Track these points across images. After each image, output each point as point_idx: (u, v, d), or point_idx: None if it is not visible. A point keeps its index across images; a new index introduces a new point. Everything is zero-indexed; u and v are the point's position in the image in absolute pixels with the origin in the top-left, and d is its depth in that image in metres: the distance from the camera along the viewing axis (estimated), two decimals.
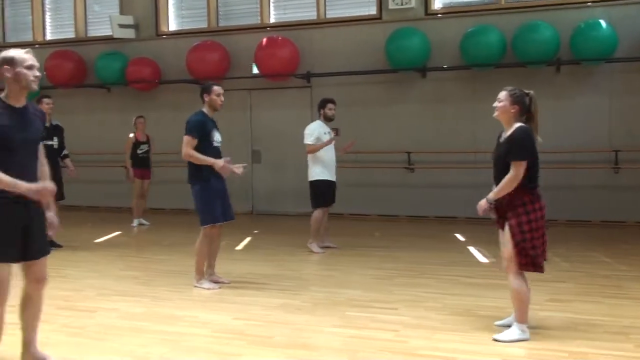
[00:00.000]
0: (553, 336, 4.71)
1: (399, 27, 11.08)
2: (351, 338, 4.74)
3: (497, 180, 4.74)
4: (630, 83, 10.10)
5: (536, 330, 4.75)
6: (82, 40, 13.59)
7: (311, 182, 8.40)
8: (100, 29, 13.54)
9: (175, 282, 6.64)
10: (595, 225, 10.10)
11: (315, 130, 8.24)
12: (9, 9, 14.38)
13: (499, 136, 4.91)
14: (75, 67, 13.12)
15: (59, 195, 7.08)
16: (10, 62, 3.80)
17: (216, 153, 6.46)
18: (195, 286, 6.40)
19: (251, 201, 12.44)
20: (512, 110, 4.69)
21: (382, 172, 11.45)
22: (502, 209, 4.70)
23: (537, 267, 4.59)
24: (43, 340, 4.27)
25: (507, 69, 10.58)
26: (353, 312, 5.45)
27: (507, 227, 4.64)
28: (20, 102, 3.87)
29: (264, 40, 11.73)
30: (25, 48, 3.97)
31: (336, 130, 8.91)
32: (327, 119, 8.36)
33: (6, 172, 3.68)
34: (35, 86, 3.87)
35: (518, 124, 4.69)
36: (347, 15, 11.87)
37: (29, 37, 14.02)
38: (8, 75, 3.79)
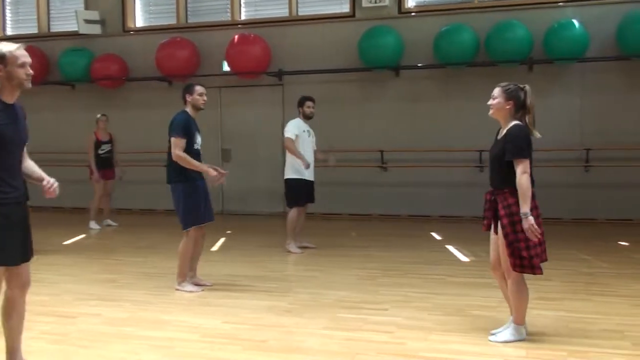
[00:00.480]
0: (549, 335, 4.69)
1: (372, 25, 11.03)
2: (347, 340, 4.64)
3: (492, 181, 4.66)
4: (600, 82, 10.24)
5: (531, 329, 4.71)
6: (45, 36, 13.19)
7: (286, 180, 8.26)
8: (64, 24, 13.16)
9: (155, 285, 6.44)
10: (566, 223, 10.21)
11: (295, 128, 8.11)
12: None
13: (497, 133, 4.82)
14: (38, 63, 12.70)
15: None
16: (2, 59, 3.59)
17: (196, 155, 6.30)
18: (177, 289, 6.23)
19: (221, 201, 12.24)
20: (507, 107, 4.59)
21: (354, 171, 11.38)
22: (495, 209, 4.61)
23: (534, 268, 4.48)
24: (23, 348, 4.06)
25: (480, 68, 10.63)
26: (343, 314, 5.35)
27: (499, 229, 4.56)
28: (12, 100, 3.68)
29: (235, 37, 11.57)
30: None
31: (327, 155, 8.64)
32: (306, 117, 8.25)
33: (3, 170, 3.56)
34: (28, 85, 3.68)
35: (514, 122, 4.62)
36: (319, 12, 11.76)
37: None
38: (0, 73, 3.59)
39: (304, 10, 11.93)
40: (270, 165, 11.88)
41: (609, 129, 10.14)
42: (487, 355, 4.33)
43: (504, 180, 4.51)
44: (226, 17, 12.30)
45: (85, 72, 12.45)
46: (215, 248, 8.57)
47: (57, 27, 13.31)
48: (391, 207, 11.27)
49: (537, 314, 5.14)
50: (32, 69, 3.69)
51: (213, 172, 6.12)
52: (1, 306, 3.88)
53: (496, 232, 4.62)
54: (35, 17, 13.38)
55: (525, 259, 4.44)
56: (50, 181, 3.69)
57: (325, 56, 11.43)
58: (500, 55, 10.33)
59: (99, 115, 10.71)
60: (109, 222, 10.79)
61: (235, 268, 7.28)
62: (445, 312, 5.37)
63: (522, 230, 4.43)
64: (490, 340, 4.58)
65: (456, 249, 8.27)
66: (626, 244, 8.46)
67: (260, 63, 11.59)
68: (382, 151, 11.20)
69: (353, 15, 11.44)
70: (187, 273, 6.35)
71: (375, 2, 11.12)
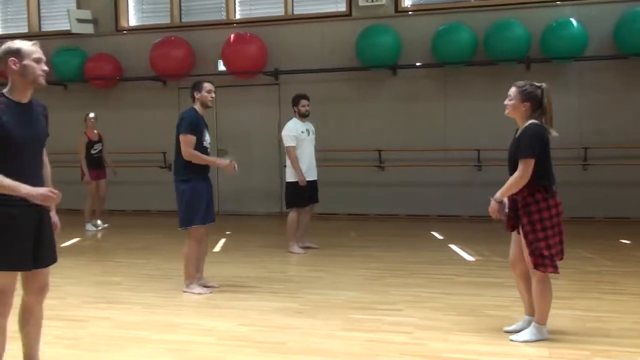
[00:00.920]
0: (568, 334, 4.66)
1: (369, 24, 10.99)
2: (367, 342, 4.59)
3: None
4: (598, 81, 10.28)
5: (550, 329, 4.68)
6: (36, 35, 12.99)
7: (286, 182, 8.19)
8: (55, 23, 12.99)
9: (162, 287, 6.35)
10: (565, 222, 10.13)
11: (293, 130, 8.02)
12: None
13: (515, 132, 4.78)
14: None
15: None
16: (17, 53, 3.49)
17: (205, 154, 6.22)
18: (185, 291, 6.14)
19: (217, 201, 12.10)
20: (523, 108, 4.56)
21: (352, 171, 11.34)
22: (516, 209, 4.58)
23: (555, 267, 4.48)
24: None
25: (478, 67, 10.63)
26: (357, 315, 5.30)
27: (521, 229, 4.54)
28: (25, 98, 3.57)
29: (231, 36, 11.48)
30: None
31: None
32: (302, 116, 8.17)
33: (9, 173, 3.38)
34: (43, 81, 3.57)
35: (531, 121, 4.59)
36: (315, 11, 11.71)
37: None
38: (14, 68, 3.48)
39: (300, 9, 11.87)
40: (266, 165, 11.81)
41: (606, 127, 10.18)
42: (509, 356, 4.30)
43: None
44: (221, 16, 12.20)
45: (78, 72, 12.30)
46: (217, 249, 8.48)
47: (48, 26, 13.14)
48: (389, 206, 11.24)
49: (554, 313, 5.05)
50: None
51: (226, 162, 6.09)
52: (18, 312, 3.78)
53: (518, 232, 4.58)
54: (26, 16, 13.20)
55: (547, 257, 4.43)
56: (53, 192, 3.55)
57: (321, 55, 11.39)
58: (498, 54, 10.34)
59: (91, 115, 10.56)
60: (99, 223, 10.64)
61: (240, 269, 7.20)
62: (460, 312, 5.33)
63: (542, 229, 4.41)
64: (512, 340, 4.54)
65: (460, 248, 8.24)
66: (628, 242, 8.49)
67: (256, 62, 11.51)
68: (379, 151, 11.16)
69: (350, 14, 11.40)
70: (194, 275, 6.26)
71: (372, 1, 11.09)
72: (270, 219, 11.50)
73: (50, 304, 5.58)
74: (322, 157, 10.65)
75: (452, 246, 8.41)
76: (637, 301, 5.57)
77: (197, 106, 6.24)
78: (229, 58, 11.49)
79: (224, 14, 12.19)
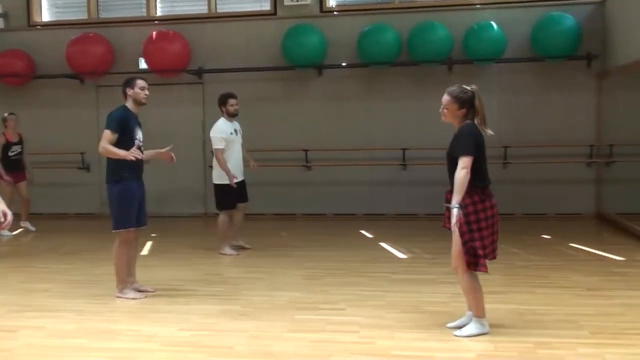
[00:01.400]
0: (508, 328, 4.80)
1: (294, 23, 10.97)
2: (317, 342, 4.57)
3: (449, 180, 4.69)
4: (517, 83, 10.66)
5: (490, 323, 4.79)
6: None
7: (214, 185, 8.05)
8: None
9: (93, 293, 6.10)
10: None
11: (223, 132, 7.87)
12: None
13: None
14: None
15: None
16: None
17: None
18: (118, 296, 5.93)
19: None
20: (460, 114, 4.66)
21: (278, 171, 11.27)
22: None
23: (484, 267, 4.56)
24: None
25: (402, 68, 10.80)
26: (302, 315, 5.27)
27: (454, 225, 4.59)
28: None
29: (154, 33, 11.19)
30: None
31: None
32: (231, 116, 8.03)
33: None
34: None
35: (466, 122, 4.70)
36: (239, 10, 11.58)
37: None
38: None
39: (223, 8, 11.71)
40: (191, 166, 11.58)
41: (524, 127, 10.57)
42: (457, 351, 4.39)
43: None
44: (141, 13, 11.88)
45: None
46: (144, 252, 8.23)
47: None
48: (316, 206, 11.26)
49: (493, 308, 5.20)
50: None
51: (126, 152, 5.76)
52: None
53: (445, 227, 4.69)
54: None
55: (480, 257, 4.53)
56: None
57: (247, 54, 11.27)
58: (421, 56, 10.54)
59: (6, 115, 10.07)
60: (29, 226, 10.17)
61: (173, 272, 7.03)
62: (402, 309, 5.39)
63: (478, 230, 4.51)
64: (456, 335, 4.64)
65: (391, 246, 8.35)
66: (549, 237, 8.83)
67: (179, 61, 11.27)
68: (305, 150, 11.16)
69: (274, 14, 11.34)
70: (127, 279, 6.06)
71: (297, 1, 11.07)
72: (195, 220, 11.30)
73: None
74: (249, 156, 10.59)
75: (383, 244, 8.51)
76: (567, 294, 5.80)
77: (129, 104, 6.04)
78: (151, 56, 11.20)
79: (144, 10, 11.87)
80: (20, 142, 10.06)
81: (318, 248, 8.32)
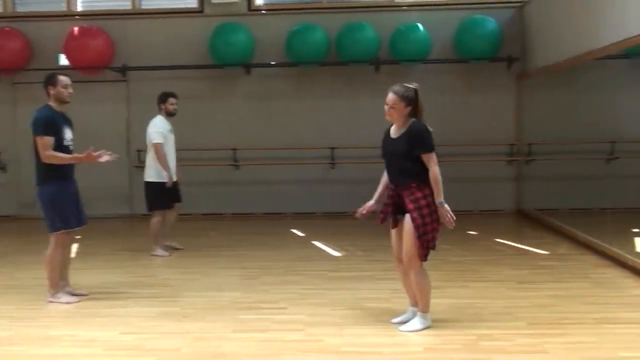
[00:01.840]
0: (451, 321, 4.95)
1: (221, 21, 10.85)
2: (264, 342, 4.56)
3: (395, 177, 4.77)
4: (442, 83, 10.92)
5: (432, 318, 4.91)
6: None
7: (147, 182, 7.88)
8: None
9: (24, 299, 5.86)
10: None
11: (161, 127, 7.76)
12: None
13: (387, 133, 4.93)
14: None
15: None
16: None
17: (67, 153, 5.84)
18: (51, 301, 5.72)
19: None
20: (406, 111, 4.77)
21: (206, 170, 11.14)
22: (397, 204, 4.74)
23: (426, 257, 4.72)
24: None
25: (331, 67, 10.88)
26: (245, 315, 5.25)
27: (406, 220, 4.70)
28: None
29: (75, 29, 10.82)
30: None
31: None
32: (169, 115, 7.92)
33: None
34: None
35: (413, 119, 4.80)
36: (165, 7, 11.36)
37: None
38: None
39: (148, 4, 11.45)
40: (115, 166, 11.09)
41: (449, 127, 10.82)
42: (406, 345, 4.48)
43: (410, 175, 4.68)
44: (61, 7, 11.45)
45: None
46: (71, 255, 7.92)
47: None
48: (244, 205, 11.19)
49: (431, 303, 5.32)
50: None
51: (84, 155, 5.69)
52: None
53: (396, 227, 4.76)
54: None
55: (430, 249, 4.66)
56: None
57: (173, 52, 11.06)
58: (349, 56, 10.65)
59: None
60: None
61: (105, 275, 6.84)
62: (344, 306, 5.45)
63: (430, 222, 4.63)
64: (401, 330, 4.73)
65: (323, 244, 8.40)
66: (475, 233, 9.10)
67: (102, 57, 10.94)
68: (234, 149, 11.08)
69: (201, 11, 11.19)
70: (59, 283, 5.85)
71: None
72: (120, 222, 11.00)
73: None
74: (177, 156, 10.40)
75: (316, 243, 8.55)
76: (500, 287, 6.02)
77: (52, 102, 5.83)
78: (72, 52, 10.81)
79: (64, 5, 11.44)
80: None
81: (250, 247, 8.27)
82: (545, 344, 4.39)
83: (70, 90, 5.94)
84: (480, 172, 10.96)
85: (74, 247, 8.27)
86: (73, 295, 5.87)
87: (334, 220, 10.70)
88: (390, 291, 5.86)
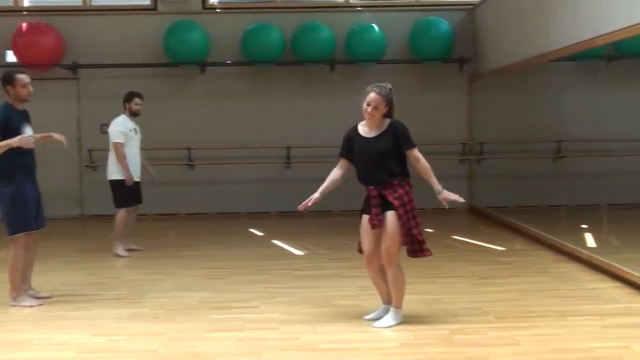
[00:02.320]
0: (421, 317, 5.06)
1: (175, 19, 10.74)
2: (241, 341, 4.56)
3: (371, 176, 4.79)
4: (397, 83, 10.90)
5: (403, 313, 4.99)
6: None
7: (111, 181, 7.78)
8: None
9: None
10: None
11: (123, 127, 7.71)
12: None
13: (355, 133, 4.94)
14: None
15: None
16: None
17: (29, 152, 5.71)
18: (12, 305, 5.58)
19: None
20: (385, 111, 4.85)
21: (160, 170, 10.91)
22: (383, 201, 4.77)
23: (428, 250, 4.82)
24: None
25: (287, 67, 10.91)
26: (217, 315, 5.24)
27: (391, 217, 4.73)
28: None
29: (23, 25, 10.54)
30: None
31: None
32: (133, 114, 7.86)
33: None
34: None
35: (389, 119, 4.89)
36: (117, 4, 11.18)
37: None
38: None
39: (99, 0, 11.24)
40: (66, 166, 11.00)
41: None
42: (381, 341, 4.56)
43: (392, 173, 4.76)
44: (7, 2, 11.13)
45: None
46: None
47: None
48: (199, 205, 11.12)
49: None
50: None
51: (16, 139, 5.43)
52: None
53: (374, 226, 4.78)
54: None
55: (422, 242, 4.75)
56: None
57: (126, 50, 10.89)
58: (305, 55, 10.70)
59: None
60: None
61: (66, 277, 6.70)
62: (315, 304, 5.50)
63: (414, 217, 4.72)
64: (375, 327, 4.80)
65: (284, 243, 8.42)
66: (432, 230, 9.19)
67: (52, 55, 10.69)
68: (189, 149, 10.99)
69: (155, 9, 11.05)
70: (21, 286, 5.71)
71: None
72: (72, 223, 10.76)
73: None
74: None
75: (276, 242, 8.57)
76: (464, 283, 6.18)
77: (12, 100, 5.69)
78: (21, 49, 10.53)
79: (11, 0, 11.13)
80: None
81: (210, 247, 8.24)
82: (516, 336, 4.53)
83: (30, 89, 5.81)
84: (434, 171, 11.13)
85: None
86: (35, 298, 5.74)
87: (289, 219, 10.71)
88: (357, 289, 5.94)
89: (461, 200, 4.80)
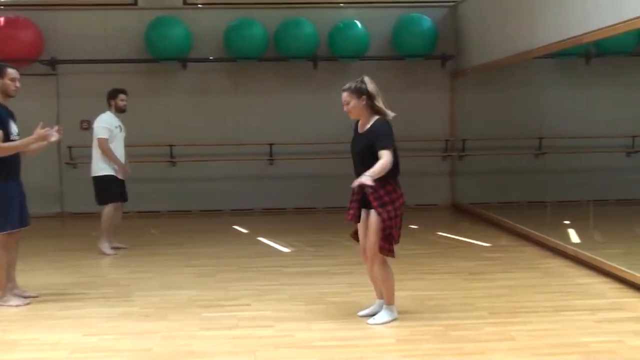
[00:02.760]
0: (415, 313, 5.06)
1: (156, 15, 10.62)
2: (236, 339, 4.53)
3: (357, 172, 4.80)
4: (379, 80, 10.86)
5: (398, 310, 5.00)
6: None
7: (95, 177, 7.68)
8: None
9: None
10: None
11: (108, 123, 7.61)
12: None
13: (355, 128, 5.00)
14: None
15: None
16: None
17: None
18: None
19: None
20: (363, 102, 4.83)
21: (142, 167, 10.82)
22: (364, 199, 4.78)
23: (393, 252, 4.80)
24: None
25: (269, 63, 10.85)
26: (209, 313, 5.19)
27: (372, 216, 4.76)
28: None
29: (1, 19, 10.33)
30: None
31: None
32: (119, 111, 7.77)
33: None
34: None
35: (376, 117, 4.87)
36: None
37: None
38: None
39: None
40: (44, 163, 10.75)
41: None
42: (378, 337, 4.55)
43: None
44: None
45: None
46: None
47: None
48: (181, 202, 11.01)
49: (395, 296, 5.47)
50: None
51: (33, 137, 5.52)
52: None
53: (347, 219, 4.86)
54: None
55: (393, 244, 4.75)
56: None
57: (106, 45, 10.73)
58: (288, 51, 10.65)
59: None
60: None
61: (52, 276, 6.59)
62: (307, 301, 5.47)
63: (395, 217, 4.71)
64: (369, 324, 4.80)
65: (270, 240, 8.38)
66: (416, 227, 9.29)
67: (30, 50, 10.50)
68: (171, 145, 10.87)
69: (135, 4, 10.90)
70: (7, 285, 5.60)
71: None
72: (51, 221, 10.57)
73: None
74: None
75: (262, 239, 8.52)
76: (455, 279, 6.20)
77: None
78: None
79: None
80: None
81: (196, 245, 8.17)
82: (511, 331, 4.56)
83: (18, 84, 5.74)
84: (417, 167, 11.15)
85: None
86: (22, 297, 5.64)
87: (272, 216, 10.70)
88: (348, 285, 5.94)
89: (370, 183, 4.49)
